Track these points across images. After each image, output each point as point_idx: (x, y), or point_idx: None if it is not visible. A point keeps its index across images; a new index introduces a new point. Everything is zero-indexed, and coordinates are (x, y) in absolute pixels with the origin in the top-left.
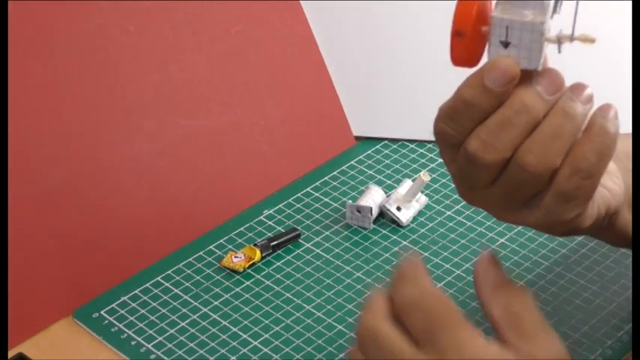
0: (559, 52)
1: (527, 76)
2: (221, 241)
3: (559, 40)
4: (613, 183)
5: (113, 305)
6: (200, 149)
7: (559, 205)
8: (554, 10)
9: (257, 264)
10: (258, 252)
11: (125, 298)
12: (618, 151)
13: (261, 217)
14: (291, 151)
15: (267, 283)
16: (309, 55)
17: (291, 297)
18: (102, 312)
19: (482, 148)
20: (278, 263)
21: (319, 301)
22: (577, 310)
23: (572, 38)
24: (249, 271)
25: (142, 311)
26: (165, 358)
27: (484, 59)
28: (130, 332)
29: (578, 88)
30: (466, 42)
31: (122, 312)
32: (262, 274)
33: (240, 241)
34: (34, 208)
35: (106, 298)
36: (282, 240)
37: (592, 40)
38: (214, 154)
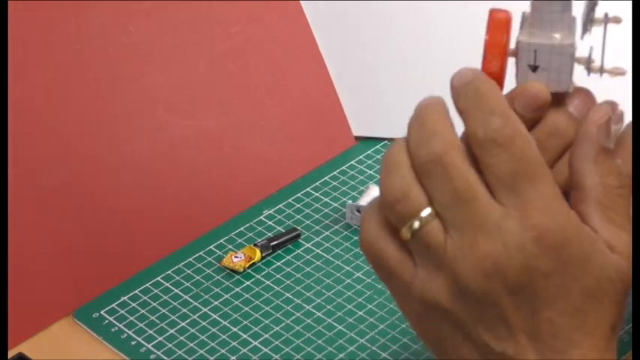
0: (588, 75)
1: (558, 98)
2: (221, 241)
3: (588, 69)
4: None
5: (113, 305)
6: (200, 149)
7: None
8: (585, 30)
9: (257, 264)
10: (258, 252)
11: (125, 298)
12: None
13: (261, 217)
14: (291, 151)
15: (267, 283)
16: (309, 55)
17: (291, 297)
18: (102, 312)
19: None
20: (278, 263)
21: (319, 301)
22: None
23: (602, 71)
24: (249, 271)
25: (142, 311)
26: (165, 358)
27: (511, 80)
28: (130, 332)
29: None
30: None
31: (122, 312)
32: (262, 274)
33: (240, 241)
34: (34, 208)
35: (106, 298)
36: (282, 240)
37: (622, 73)
38: (214, 154)
